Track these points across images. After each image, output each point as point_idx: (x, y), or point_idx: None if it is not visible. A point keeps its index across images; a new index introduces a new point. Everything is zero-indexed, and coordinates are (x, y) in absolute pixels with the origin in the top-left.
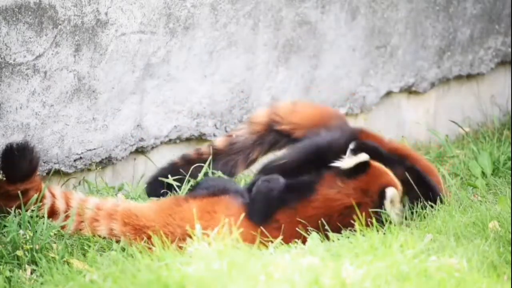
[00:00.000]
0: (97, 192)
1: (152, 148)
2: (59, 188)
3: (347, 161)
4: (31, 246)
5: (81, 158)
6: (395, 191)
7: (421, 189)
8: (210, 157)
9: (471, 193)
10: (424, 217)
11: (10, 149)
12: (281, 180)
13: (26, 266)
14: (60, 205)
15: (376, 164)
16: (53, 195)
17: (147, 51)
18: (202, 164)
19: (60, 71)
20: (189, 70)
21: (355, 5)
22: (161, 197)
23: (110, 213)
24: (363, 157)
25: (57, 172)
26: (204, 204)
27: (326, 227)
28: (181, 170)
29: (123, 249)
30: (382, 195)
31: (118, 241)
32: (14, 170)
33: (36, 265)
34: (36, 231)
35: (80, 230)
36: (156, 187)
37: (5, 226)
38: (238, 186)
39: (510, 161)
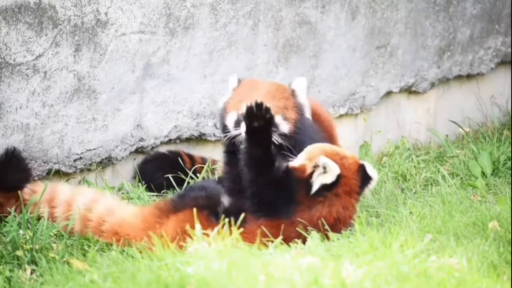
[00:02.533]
0: None
1: (152, 148)
2: (46, 189)
3: (324, 177)
4: (31, 246)
5: (81, 158)
6: (368, 164)
7: None
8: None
9: (471, 193)
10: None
11: (9, 155)
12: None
13: (26, 266)
14: (45, 213)
15: (335, 158)
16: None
17: (147, 51)
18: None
19: (60, 71)
20: (189, 70)
21: (355, 5)
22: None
23: (100, 229)
24: (335, 169)
25: (57, 172)
26: (182, 223)
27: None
28: (181, 163)
29: (123, 249)
30: (363, 181)
31: (118, 242)
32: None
33: (36, 265)
34: (36, 231)
35: (74, 232)
36: (151, 169)
37: (5, 226)
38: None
39: (510, 161)
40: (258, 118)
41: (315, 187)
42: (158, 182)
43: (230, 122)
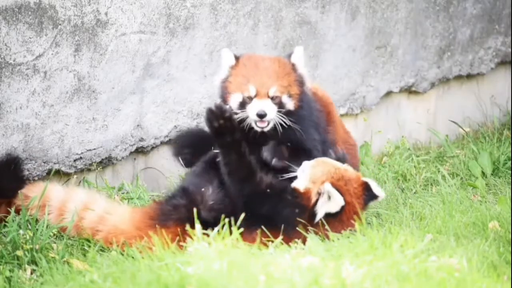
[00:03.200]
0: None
1: (152, 148)
2: (39, 194)
3: (328, 205)
4: (31, 246)
5: (81, 158)
6: (373, 182)
7: None
8: None
9: (471, 193)
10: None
11: (9, 162)
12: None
13: (26, 266)
14: (45, 214)
15: (340, 184)
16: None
17: (147, 51)
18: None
19: (60, 71)
20: (189, 70)
21: (355, 5)
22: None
23: (95, 237)
24: (339, 198)
25: (57, 172)
26: (169, 237)
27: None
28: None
29: (123, 249)
30: (369, 200)
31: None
32: None
33: (36, 265)
34: (36, 231)
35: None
36: (182, 146)
37: (5, 226)
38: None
39: (510, 161)
40: (218, 118)
41: (319, 216)
42: (186, 158)
43: (234, 103)
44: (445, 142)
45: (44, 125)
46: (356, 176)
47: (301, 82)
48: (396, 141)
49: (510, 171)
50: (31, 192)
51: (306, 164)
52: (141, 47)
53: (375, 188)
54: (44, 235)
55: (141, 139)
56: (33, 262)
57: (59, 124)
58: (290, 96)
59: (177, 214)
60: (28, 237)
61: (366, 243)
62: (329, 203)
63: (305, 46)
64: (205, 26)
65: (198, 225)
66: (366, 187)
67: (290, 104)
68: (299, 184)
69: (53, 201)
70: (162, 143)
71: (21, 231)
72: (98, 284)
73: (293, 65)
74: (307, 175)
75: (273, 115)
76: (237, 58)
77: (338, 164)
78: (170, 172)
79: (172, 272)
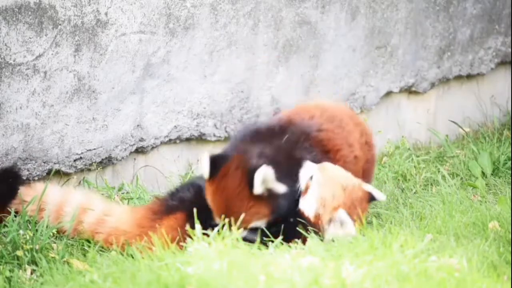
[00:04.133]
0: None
1: (152, 148)
2: (38, 195)
3: (338, 231)
4: (31, 246)
5: (81, 158)
6: (374, 190)
7: None
8: None
9: (471, 193)
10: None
11: (8, 174)
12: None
13: (26, 266)
14: (38, 219)
15: (351, 211)
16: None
17: (147, 51)
18: None
19: (60, 71)
20: (189, 70)
21: (355, 5)
22: None
23: (95, 238)
24: (352, 229)
25: (57, 172)
26: (172, 230)
27: None
28: None
29: (123, 249)
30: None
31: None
32: None
33: (36, 265)
34: (36, 231)
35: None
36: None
37: (5, 226)
38: None
39: (510, 161)
40: None
41: (326, 239)
42: None
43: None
44: (445, 142)
45: (44, 125)
46: (363, 193)
47: (272, 198)
48: (396, 141)
49: (510, 171)
50: (27, 196)
51: (312, 172)
52: (141, 47)
53: (377, 194)
54: (44, 235)
55: (141, 139)
56: (33, 262)
57: (59, 124)
58: (258, 218)
59: (183, 208)
60: (28, 237)
61: (366, 243)
62: (340, 229)
63: (305, 46)
64: (205, 26)
65: (198, 225)
66: (370, 198)
67: (260, 224)
68: (308, 209)
69: (49, 204)
70: (162, 143)
71: (21, 231)
72: (98, 284)
73: (259, 196)
74: (317, 197)
75: (243, 235)
76: (212, 171)
77: (345, 180)
78: (170, 172)
79: (172, 272)
